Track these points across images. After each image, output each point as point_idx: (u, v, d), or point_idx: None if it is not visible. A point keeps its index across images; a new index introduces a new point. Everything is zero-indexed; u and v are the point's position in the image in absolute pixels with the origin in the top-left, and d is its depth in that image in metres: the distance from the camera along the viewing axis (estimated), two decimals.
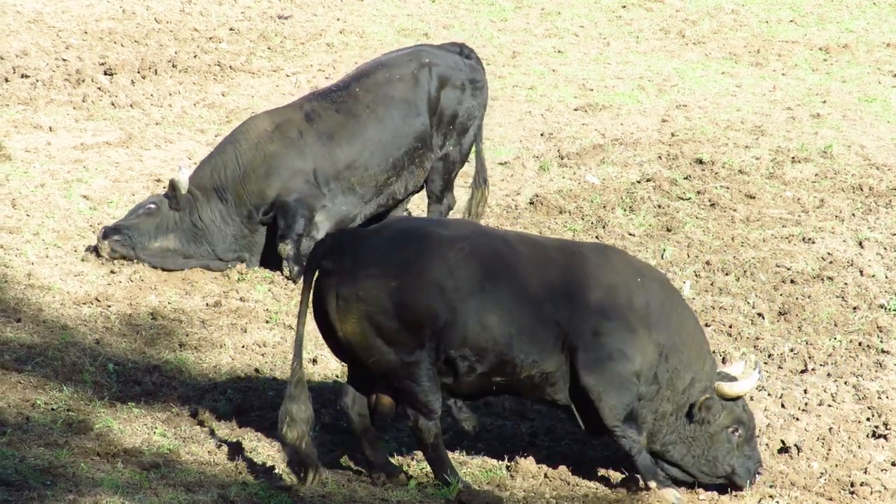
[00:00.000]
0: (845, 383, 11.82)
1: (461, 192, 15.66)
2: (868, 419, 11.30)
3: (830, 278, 13.64)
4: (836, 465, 10.68)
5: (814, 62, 20.40)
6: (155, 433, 10.56)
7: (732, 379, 10.19)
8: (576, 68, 19.94)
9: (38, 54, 19.18)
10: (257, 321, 12.63)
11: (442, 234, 9.81)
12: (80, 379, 11.24)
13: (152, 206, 13.75)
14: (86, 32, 20.14)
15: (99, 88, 18.14)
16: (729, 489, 10.35)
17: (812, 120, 18.01)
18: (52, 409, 10.70)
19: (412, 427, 9.90)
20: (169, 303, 12.86)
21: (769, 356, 12.32)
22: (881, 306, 13.16)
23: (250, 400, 11.18)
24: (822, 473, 10.61)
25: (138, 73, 18.74)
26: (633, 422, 9.94)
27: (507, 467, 10.49)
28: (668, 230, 14.70)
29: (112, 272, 13.31)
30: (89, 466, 9.85)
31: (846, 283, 13.53)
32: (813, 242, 14.42)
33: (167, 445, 10.37)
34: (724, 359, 12.01)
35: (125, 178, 15.51)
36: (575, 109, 18.31)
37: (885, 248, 14.30)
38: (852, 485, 10.46)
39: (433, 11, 22.13)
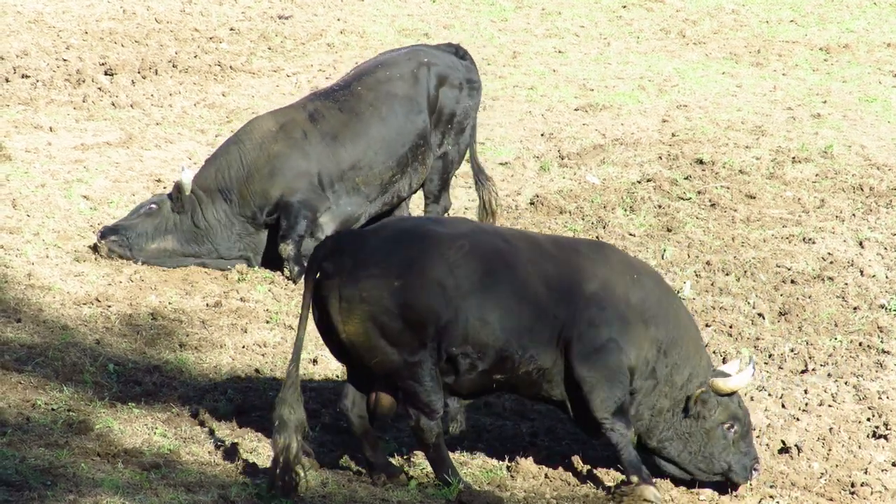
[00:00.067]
0: (846, 383, 11.82)
1: (461, 192, 15.67)
2: (868, 419, 11.30)
3: (831, 278, 13.64)
4: (837, 466, 10.69)
5: (814, 62, 20.40)
6: (155, 433, 10.56)
7: (727, 376, 10.21)
8: (576, 68, 19.95)
9: (38, 54, 19.19)
10: (258, 321, 12.63)
11: (442, 233, 9.83)
12: (80, 379, 11.24)
13: (153, 206, 13.76)
14: (86, 32, 20.14)
15: (99, 88, 18.14)
16: (729, 489, 10.35)
17: (812, 120, 18.01)
18: (53, 410, 10.70)
19: (414, 427, 9.90)
20: (169, 303, 12.86)
21: (769, 356, 12.32)
22: (881, 306, 13.16)
23: (251, 400, 11.18)
24: (822, 474, 10.61)
25: (139, 73, 18.74)
26: (623, 416, 9.96)
27: (508, 467, 10.49)
28: (669, 230, 14.71)
29: (112, 272, 13.31)
30: (90, 467, 9.85)
31: (846, 284, 13.53)
32: (813, 242, 14.42)
33: (167, 446, 10.37)
34: (724, 359, 12.01)
35: (125, 179, 15.51)
36: (575, 109, 18.31)
37: (886, 249, 14.30)
38: (853, 485, 10.46)
39: (434, 11, 22.13)
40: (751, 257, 14.06)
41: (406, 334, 9.66)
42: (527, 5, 22.49)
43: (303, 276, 13.34)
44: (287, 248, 13.60)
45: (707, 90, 19.13)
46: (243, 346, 12.16)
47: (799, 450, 10.79)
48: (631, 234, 14.59)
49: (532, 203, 15.32)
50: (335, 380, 11.61)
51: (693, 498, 10.31)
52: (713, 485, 10.38)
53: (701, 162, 16.33)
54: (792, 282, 13.60)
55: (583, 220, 14.97)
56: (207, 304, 12.90)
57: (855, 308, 13.13)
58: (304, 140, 13.76)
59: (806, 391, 11.66)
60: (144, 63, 18.97)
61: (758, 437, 10.95)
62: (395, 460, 10.45)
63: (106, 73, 18.62)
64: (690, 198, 15.45)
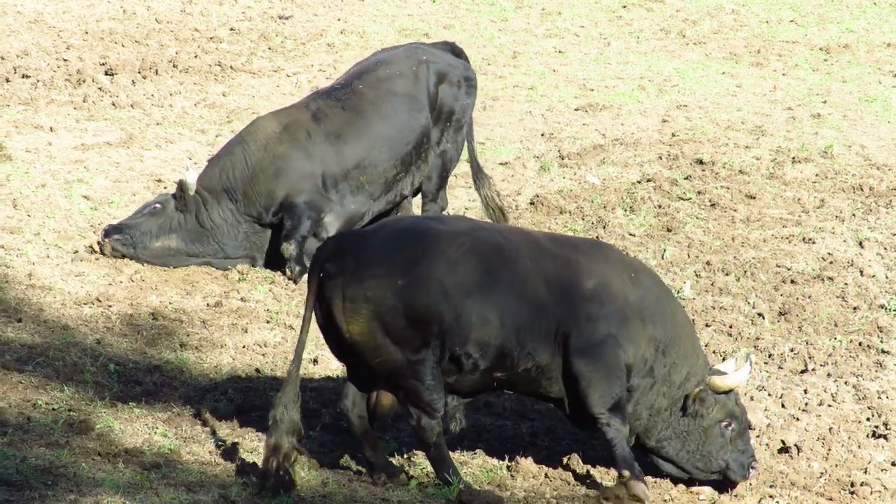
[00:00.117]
0: (845, 383, 11.83)
1: (461, 192, 15.68)
2: (868, 419, 11.31)
3: (831, 278, 13.65)
4: (837, 465, 10.69)
5: (814, 62, 20.41)
6: (156, 433, 10.57)
7: (724, 374, 10.24)
8: (576, 68, 19.95)
9: (38, 54, 19.19)
10: (258, 321, 12.64)
11: (442, 231, 9.86)
12: (81, 379, 11.25)
13: (157, 205, 13.76)
14: (86, 33, 20.14)
15: (100, 89, 18.15)
16: (728, 489, 10.36)
17: (812, 120, 18.01)
18: (54, 410, 10.71)
19: (414, 426, 9.91)
20: (170, 303, 12.87)
21: (769, 356, 12.33)
22: (881, 306, 13.17)
23: (251, 400, 11.19)
24: (822, 473, 10.62)
25: (139, 73, 18.75)
26: (620, 412, 9.97)
27: (508, 467, 10.50)
28: (669, 230, 14.71)
29: (113, 272, 13.32)
30: (90, 466, 9.85)
31: (846, 284, 13.54)
32: (813, 242, 14.43)
33: (168, 445, 10.38)
34: (724, 359, 12.01)
35: (126, 179, 15.51)
36: (575, 109, 18.31)
37: (886, 249, 14.31)
38: (852, 485, 10.47)
39: (434, 11, 22.14)
40: (751, 257, 14.07)
41: (409, 333, 9.68)
42: (527, 5, 22.50)
43: (304, 277, 13.38)
44: (289, 248, 13.61)
45: (707, 90, 19.14)
46: (244, 346, 12.17)
47: (799, 449, 10.79)
48: (631, 234, 14.60)
49: (532, 203, 15.32)
50: (335, 380, 11.62)
51: (693, 498, 10.32)
52: (713, 484, 10.39)
53: (701, 162, 16.33)
54: (792, 282, 13.61)
55: (583, 220, 14.98)
56: (208, 304, 12.90)
57: (855, 308, 13.14)
58: (308, 140, 13.77)
59: (806, 391, 11.67)
60: (145, 63, 18.97)
61: (757, 436, 10.96)
62: (396, 460, 10.46)
63: (106, 73, 18.62)
64: (690, 198, 15.46)
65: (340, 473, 10.24)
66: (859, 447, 10.92)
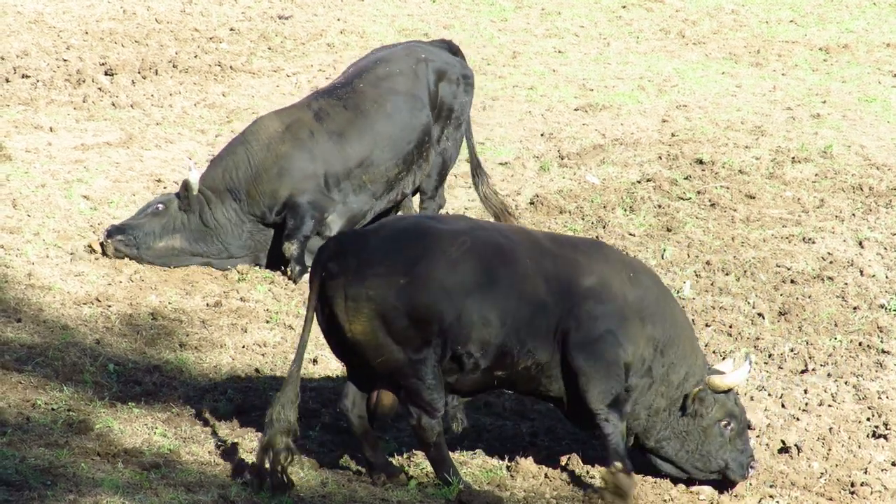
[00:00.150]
0: (845, 383, 11.82)
1: (461, 192, 15.67)
2: (868, 419, 11.31)
3: (831, 278, 13.65)
4: (837, 465, 10.69)
5: (814, 62, 20.40)
6: (155, 433, 10.56)
7: (723, 374, 10.24)
8: (576, 68, 19.95)
9: (38, 55, 19.19)
10: (258, 321, 12.64)
11: (443, 230, 9.88)
12: (80, 379, 11.25)
13: (160, 206, 13.74)
14: (86, 33, 20.14)
15: (99, 89, 18.15)
16: (728, 489, 10.36)
17: (812, 120, 18.01)
18: (53, 410, 10.71)
19: (415, 426, 9.91)
20: (169, 303, 12.86)
21: (769, 356, 12.32)
22: (881, 306, 13.16)
23: (251, 400, 11.19)
24: (822, 473, 10.62)
25: (139, 73, 18.75)
26: (618, 408, 9.98)
27: (508, 467, 10.49)
28: (669, 230, 14.71)
29: (113, 272, 13.31)
30: (90, 466, 9.85)
31: (846, 283, 13.53)
32: (813, 242, 14.42)
33: (168, 445, 10.38)
34: (724, 359, 12.00)
35: (126, 179, 15.51)
36: (575, 109, 18.31)
37: (886, 248, 14.31)
38: (852, 485, 10.47)
39: (433, 11, 22.14)
40: (750, 257, 14.06)
41: (411, 332, 9.69)
42: (526, 5, 22.50)
43: (304, 277, 13.38)
44: (291, 248, 13.60)
45: (707, 90, 19.14)
46: (243, 346, 12.16)
47: (799, 449, 10.79)
48: (631, 234, 14.60)
49: (532, 203, 15.32)
50: (335, 380, 11.62)
51: (693, 498, 10.31)
52: (713, 484, 10.38)
53: (701, 162, 16.33)
54: (792, 282, 13.61)
55: (583, 219, 14.98)
56: (207, 304, 12.90)
57: (855, 308, 13.14)
58: (311, 139, 13.76)
59: (806, 391, 11.67)
60: (144, 63, 18.97)
61: (758, 436, 10.96)
62: (395, 460, 10.46)
63: (106, 74, 18.62)
64: (690, 198, 15.46)
65: (340, 473, 10.24)
66: (859, 447, 10.92)
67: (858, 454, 10.82)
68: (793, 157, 16.52)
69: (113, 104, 17.77)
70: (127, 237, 13.52)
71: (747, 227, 14.79)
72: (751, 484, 10.39)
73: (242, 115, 17.46)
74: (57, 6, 21.09)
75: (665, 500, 10.22)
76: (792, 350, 12.39)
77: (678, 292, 13.21)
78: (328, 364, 11.85)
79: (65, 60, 18.97)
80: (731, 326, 12.75)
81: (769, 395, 11.60)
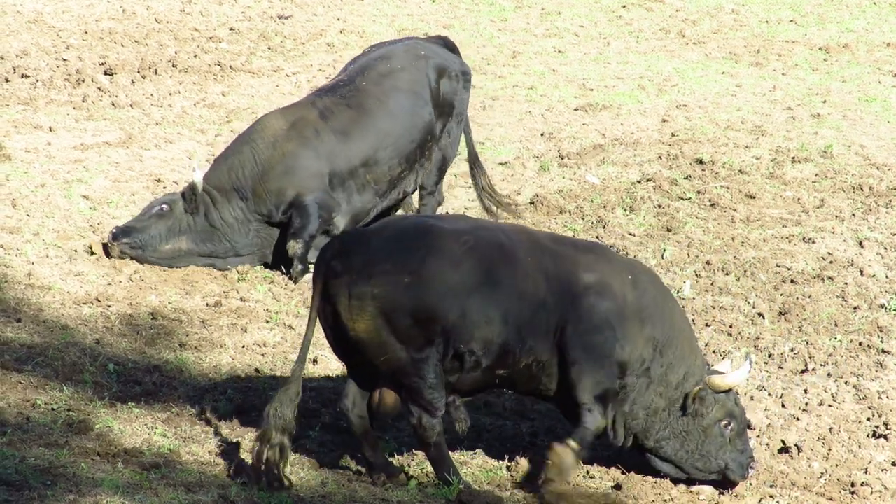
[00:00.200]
0: (846, 383, 11.82)
1: (461, 192, 15.67)
2: (868, 419, 11.30)
3: (831, 278, 13.64)
4: (837, 465, 10.69)
5: (814, 62, 20.40)
6: (155, 433, 10.56)
7: (722, 374, 10.24)
8: (576, 68, 19.94)
9: (38, 54, 19.18)
10: (257, 321, 12.63)
11: (446, 229, 9.91)
12: (80, 379, 11.24)
13: (164, 206, 13.67)
14: (86, 32, 20.13)
15: (99, 88, 18.14)
16: (729, 489, 10.35)
17: (812, 120, 18.00)
18: (53, 409, 10.70)
19: (415, 425, 9.91)
20: (169, 303, 12.86)
21: (769, 356, 12.32)
22: (881, 306, 13.16)
23: (251, 400, 11.18)
24: (822, 473, 10.61)
25: (138, 73, 18.74)
26: (605, 404, 9.97)
27: (508, 467, 10.49)
28: (669, 230, 14.71)
29: (112, 272, 13.31)
30: (90, 466, 9.85)
31: (846, 283, 13.53)
32: (813, 242, 14.42)
33: (167, 445, 10.37)
34: (723, 359, 12.00)
35: (125, 178, 15.50)
36: (575, 109, 18.31)
37: (886, 248, 14.30)
38: (853, 485, 10.46)
39: (433, 11, 22.13)
40: (751, 257, 14.06)
41: (415, 330, 9.71)
42: (526, 5, 22.49)
43: (305, 276, 13.38)
44: (296, 246, 13.56)
45: (707, 90, 19.13)
46: (243, 346, 12.16)
47: (799, 449, 10.79)
48: (631, 234, 14.59)
49: (532, 203, 15.32)
50: (335, 380, 11.62)
51: (693, 498, 10.31)
52: (713, 484, 10.38)
53: (701, 162, 16.33)
54: (792, 281, 13.60)
55: (583, 219, 14.97)
56: (207, 304, 12.89)
57: (855, 308, 13.13)
58: (317, 138, 13.73)
59: (806, 391, 11.66)
60: (144, 63, 18.96)
61: (758, 436, 10.96)
62: (395, 460, 10.45)
63: (105, 73, 18.61)
64: (690, 197, 15.45)
65: (340, 473, 10.24)
66: (859, 447, 10.92)
67: (859, 454, 10.82)
68: (793, 157, 16.51)
69: (112, 104, 17.76)
70: (133, 240, 13.46)
71: (747, 226, 14.79)
72: (751, 484, 10.39)
73: (242, 115, 17.45)
74: (56, 6, 21.09)
75: (665, 500, 10.22)
76: (792, 350, 12.39)
77: (678, 292, 13.20)
78: (328, 364, 11.85)
79: (64, 60, 18.96)
80: (731, 326, 12.75)
81: (769, 394, 11.60)
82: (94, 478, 9.66)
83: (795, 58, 20.50)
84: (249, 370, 11.76)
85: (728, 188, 15.61)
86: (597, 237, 14.46)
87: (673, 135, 17.29)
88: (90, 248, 13.60)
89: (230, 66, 19.22)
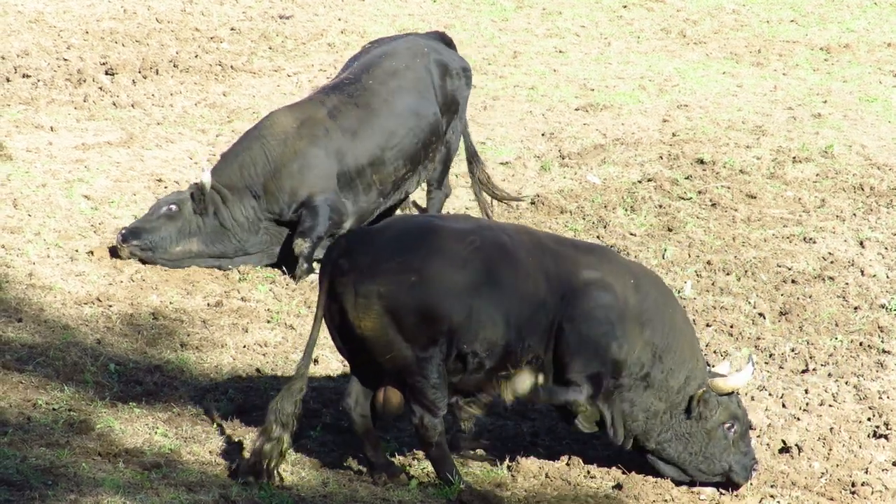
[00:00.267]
0: (846, 383, 11.82)
1: (462, 191, 15.67)
2: (869, 419, 11.31)
3: (831, 278, 13.65)
4: (837, 465, 10.69)
5: (815, 62, 20.40)
6: (156, 433, 10.57)
7: (724, 376, 10.24)
8: (577, 68, 19.95)
9: (39, 54, 19.19)
10: (259, 321, 12.64)
11: (451, 228, 9.94)
12: (81, 379, 11.25)
13: (173, 207, 13.61)
14: (87, 32, 20.14)
15: (100, 88, 18.15)
16: (729, 489, 10.36)
17: (813, 120, 18.01)
18: (54, 409, 10.71)
19: (417, 425, 9.92)
20: (170, 303, 12.86)
21: (770, 356, 12.32)
22: (882, 306, 13.16)
23: (252, 400, 11.19)
24: (823, 473, 10.61)
25: (139, 72, 18.75)
26: (595, 386, 9.97)
27: (509, 467, 10.49)
28: (670, 230, 14.71)
29: (113, 272, 13.31)
30: (91, 466, 9.85)
31: (847, 283, 13.53)
32: (814, 242, 14.42)
33: (168, 445, 10.38)
34: (724, 360, 12.00)
35: (126, 178, 15.51)
36: (576, 109, 18.31)
37: (886, 248, 14.31)
38: (853, 485, 10.47)
39: (434, 11, 22.13)
40: (751, 257, 14.06)
41: (420, 329, 9.73)
42: (527, 5, 22.50)
43: (308, 277, 13.37)
44: (303, 245, 13.52)
45: (707, 90, 19.13)
46: (244, 346, 12.16)
47: (799, 449, 10.79)
48: (632, 234, 14.60)
49: (533, 203, 15.32)
50: (335, 380, 11.62)
51: (694, 498, 10.31)
52: (714, 485, 10.38)
53: (701, 162, 16.33)
54: (793, 281, 13.61)
55: (583, 219, 14.98)
56: (208, 304, 12.90)
57: (855, 308, 13.14)
58: (327, 136, 13.69)
59: (806, 391, 11.67)
60: (145, 63, 18.97)
61: (758, 436, 10.96)
62: (397, 460, 10.46)
63: (107, 73, 18.62)
64: (691, 197, 15.46)
65: (341, 473, 10.25)
66: (860, 447, 10.92)
67: (859, 454, 10.82)
68: (794, 157, 16.51)
69: (114, 104, 17.77)
70: (143, 242, 13.40)
71: (748, 226, 14.79)
72: (752, 484, 10.39)
73: (243, 115, 17.46)
74: (57, 6, 21.09)
75: (666, 500, 10.22)
76: (793, 350, 12.39)
77: (679, 292, 13.21)
78: (329, 364, 11.86)
79: (65, 60, 18.97)
80: (731, 326, 12.75)
81: (770, 394, 11.60)
82: (96, 478, 9.67)
83: (796, 58, 20.50)
84: (251, 370, 11.76)
85: (729, 188, 15.62)
86: (598, 237, 14.47)
87: (674, 135, 17.29)
88: (91, 253, 13.57)
89: (231, 66, 19.22)
